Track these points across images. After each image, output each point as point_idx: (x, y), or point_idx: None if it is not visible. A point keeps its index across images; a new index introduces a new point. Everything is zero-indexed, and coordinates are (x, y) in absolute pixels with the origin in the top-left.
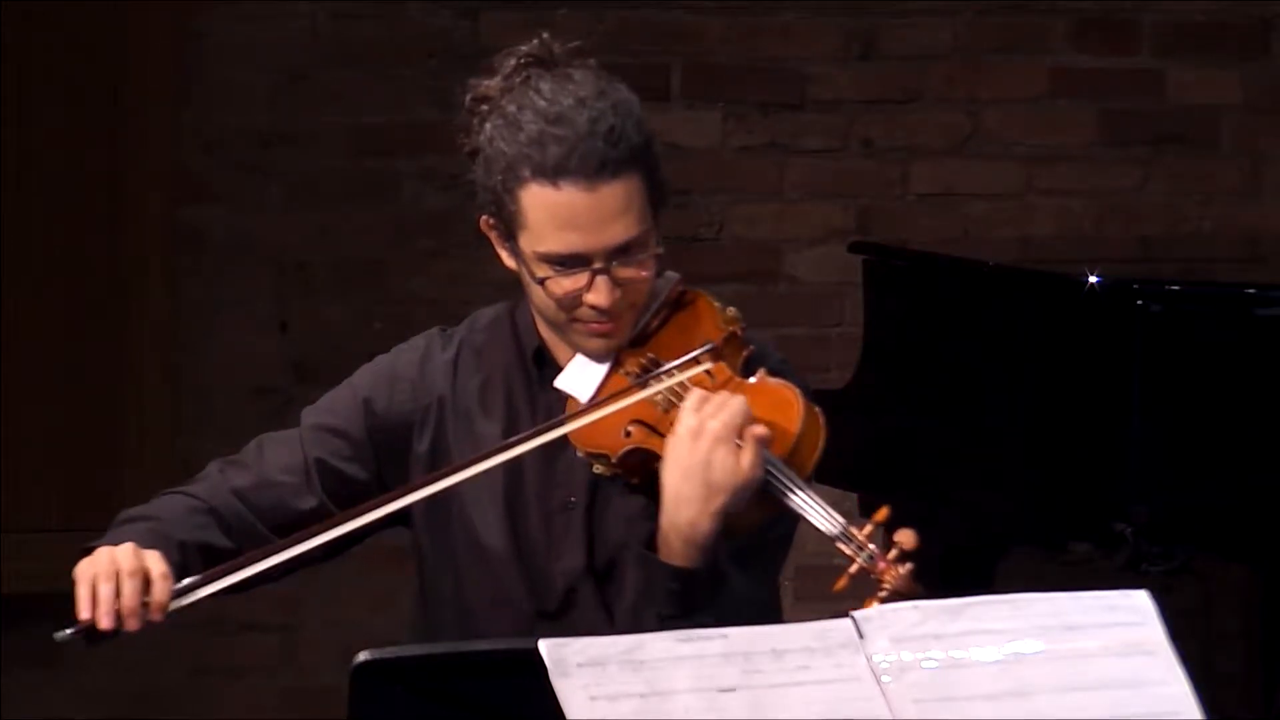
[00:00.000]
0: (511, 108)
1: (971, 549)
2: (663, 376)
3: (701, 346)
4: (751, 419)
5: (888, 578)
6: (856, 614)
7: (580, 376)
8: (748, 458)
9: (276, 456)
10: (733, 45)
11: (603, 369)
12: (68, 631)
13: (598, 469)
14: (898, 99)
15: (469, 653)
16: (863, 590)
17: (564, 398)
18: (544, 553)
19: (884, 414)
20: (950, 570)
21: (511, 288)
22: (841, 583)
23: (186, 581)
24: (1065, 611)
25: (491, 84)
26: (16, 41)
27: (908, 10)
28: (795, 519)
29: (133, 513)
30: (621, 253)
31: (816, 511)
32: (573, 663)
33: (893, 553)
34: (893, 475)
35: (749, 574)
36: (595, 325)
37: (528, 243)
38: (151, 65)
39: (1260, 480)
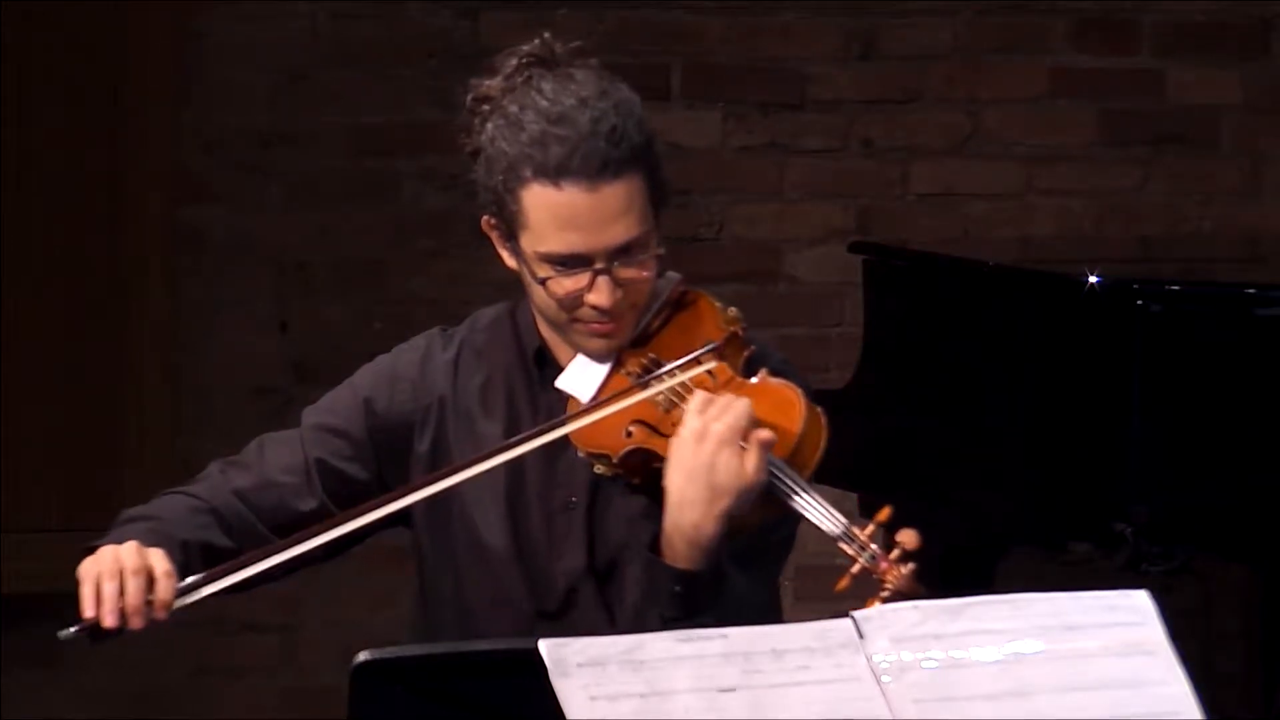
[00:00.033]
0: (513, 108)
1: (971, 549)
2: (664, 377)
3: (703, 347)
4: (756, 422)
5: (890, 578)
6: (856, 614)
7: (581, 377)
8: (752, 461)
9: (277, 457)
10: (733, 45)
11: (604, 369)
12: (72, 630)
13: (599, 469)
14: (898, 99)
15: (469, 653)
16: (865, 590)
17: (565, 398)
18: (545, 553)
19: (884, 414)
20: (950, 570)
21: (511, 288)
22: (844, 583)
23: (190, 580)
24: (1065, 611)
25: (493, 84)
26: (16, 41)
27: (908, 10)
28: (797, 519)
29: (134, 512)
30: (623, 253)
31: (818, 512)
32: (573, 663)
33: (895, 553)
34: (893, 475)
35: (751, 575)
36: (596, 325)
37: (529, 243)
38: (151, 65)
39: (1260, 480)
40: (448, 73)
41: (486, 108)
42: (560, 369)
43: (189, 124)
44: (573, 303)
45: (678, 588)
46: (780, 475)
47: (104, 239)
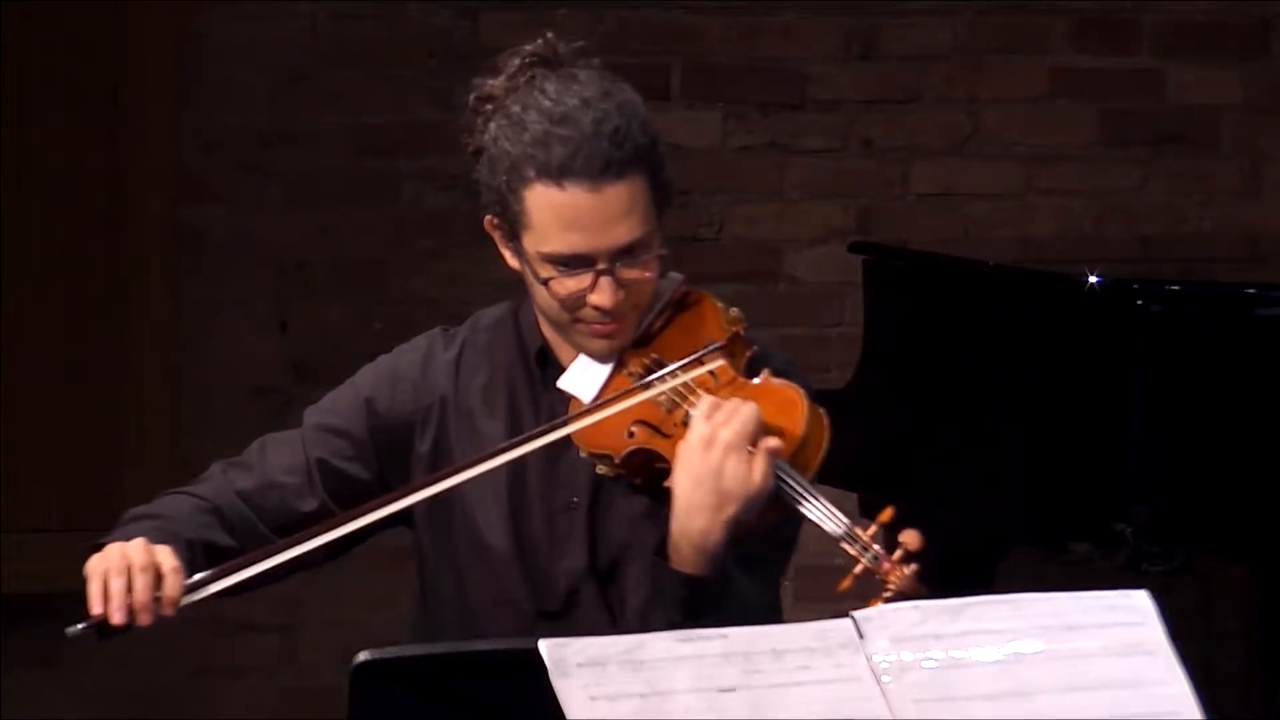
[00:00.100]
0: (516, 107)
1: (971, 549)
2: (666, 377)
3: (705, 347)
4: (764, 427)
5: (892, 578)
6: (856, 614)
7: (583, 377)
8: (760, 467)
9: (279, 457)
10: (733, 45)
11: (606, 369)
12: (79, 626)
13: (601, 469)
14: (898, 99)
15: (469, 653)
16: (867, 591)
17: (567, 398)
18: (546, 553)
19: (884, 414)
20: (950, 570)
21: (512, 288)
22: (846, 583)
23: (197, 577)
24: (1065, 611)
25: (496, 83)
26: (16, 41)
27: (908, 10)
28: (800, 521)
29: (138, 511)
30: (625, 253)
31: (821, 512)
32: (573, 663)
33: (897, 553)
34: (893, 475)
35: (754, 576)
36: (598, 326)
37: (531, 243)
38: (151, 65)
39: (1260, 480)
40: (448, 73)
41: (489, 107)
42: (562, 369)
43: (189, 124)
44: (575, 303)
45: (684, 593)
46: (784, 478)
47: (104, 239)
